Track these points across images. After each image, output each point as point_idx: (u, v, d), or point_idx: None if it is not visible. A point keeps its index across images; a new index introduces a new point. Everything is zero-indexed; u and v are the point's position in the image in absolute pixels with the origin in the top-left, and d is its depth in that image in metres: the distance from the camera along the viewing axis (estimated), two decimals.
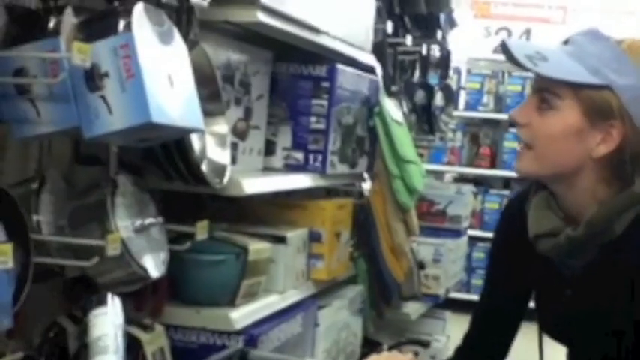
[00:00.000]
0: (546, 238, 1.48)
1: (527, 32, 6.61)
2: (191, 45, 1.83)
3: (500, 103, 6.53)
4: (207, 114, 1.92)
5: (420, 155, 5.98)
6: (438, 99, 4.11)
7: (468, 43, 6.23)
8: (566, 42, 1.46)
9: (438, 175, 6.75)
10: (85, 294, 1.76)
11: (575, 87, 1.40)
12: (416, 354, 3.55)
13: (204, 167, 1.91)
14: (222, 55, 2.13)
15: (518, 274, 1.62)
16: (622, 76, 1.39)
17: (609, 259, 1.46)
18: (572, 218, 1.47)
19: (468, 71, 6.63)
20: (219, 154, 2.01)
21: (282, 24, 2.14)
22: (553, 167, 1.43)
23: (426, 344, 3.80)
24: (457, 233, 4.32)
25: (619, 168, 1.42)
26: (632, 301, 1.44)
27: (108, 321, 1.21)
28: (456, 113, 5.63)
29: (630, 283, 1.44)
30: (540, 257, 1.53)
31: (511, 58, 1.41)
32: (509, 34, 6.65)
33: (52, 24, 1.56)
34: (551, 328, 1.62)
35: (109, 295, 1.22)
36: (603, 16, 6.38)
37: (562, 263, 1.52)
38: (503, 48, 1.42)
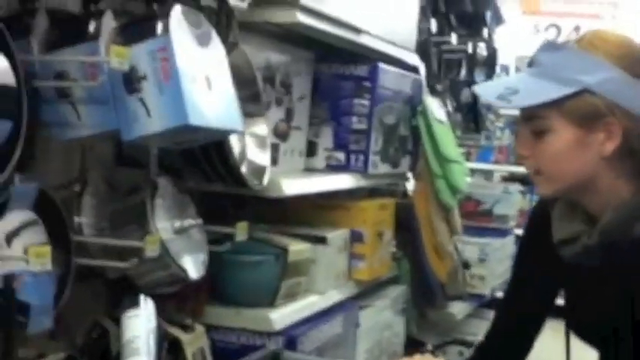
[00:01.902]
0: (568, 244, 1.47)
1: (577, 29, 6.52)
2: (230, 47, 1.84)
3: None
4: (248, 115, 1.93)
5: (468, 154, 5.95)
6: None
7: (516, 40, 6.16)
8: (530, 64, 1.46)
9: (487, 174, 6.69)
10: (126, 295, 1.78)
11: (556, 104, 1.39)
12: (460, 354, 3.53)
13: (243, 168, 1.92)
14: (262, 56, 2.14)
15: (544, 277, 1.61)
16: (593, 75, 1.39)
17: (631, 261, 1.44)
18: (599, 220, 1.45)
19: (517, 69, 6.54)
20: (259, 156, 2.01)
21: (323, 24, 2.14)
22: (570, 181, 1.44)
23: (470, 345, 3.77)
24: (503, 232, 4.28)
25: (634, 159, 1.41)
26: None
27: (140, 323, 1.21)
28: (504, 111, 5.57)
29: None
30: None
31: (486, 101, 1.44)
32: (559, 30, 6.57)
33: (91, 28, 1.58)
34: (580, 329, 1.60)
35: (142, 297, 1.23)
36: None
37: (586, 267, 1.51)
38: (477, 94, 1.45)
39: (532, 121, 1.43)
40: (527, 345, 1.70)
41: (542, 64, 1.43)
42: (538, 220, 1.61)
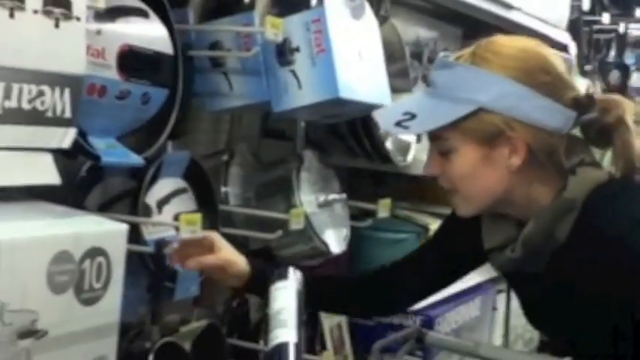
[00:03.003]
0: (498, 252, 1.41)
1: None
2: (381, 20, 1.81)
3: None
4: (394, 90, 1.90)
5: None
6: (634, 80, 3.91)
7: None
8: (428, 83, 1.38)
9: None
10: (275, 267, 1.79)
11: (455, 125, 1.32)
12: None
13: (389, 144, 1.89)
14: (411, 31, 2.10)
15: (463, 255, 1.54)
16: (487, 92, 1.31)
17: (556, 267, 1.36)
18: (526, 223, 1.40)
19: None
20: None
21: None
22: (485, 198, 1.38)
23: None
24: None
25: (542, 167, 1.35)
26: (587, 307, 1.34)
27: (288, 295, 1.20)
28: None
29: (580, 293, 1.34)
30: None
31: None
32: None
33: None
34: (533, 322, 1.54)
35: (291, 269, 1.22)
36: None
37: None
38: (376, 121, 1.41)
39: (437, 141, 1.38)
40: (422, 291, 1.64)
41: (436, 84, 1.37)
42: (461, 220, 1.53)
